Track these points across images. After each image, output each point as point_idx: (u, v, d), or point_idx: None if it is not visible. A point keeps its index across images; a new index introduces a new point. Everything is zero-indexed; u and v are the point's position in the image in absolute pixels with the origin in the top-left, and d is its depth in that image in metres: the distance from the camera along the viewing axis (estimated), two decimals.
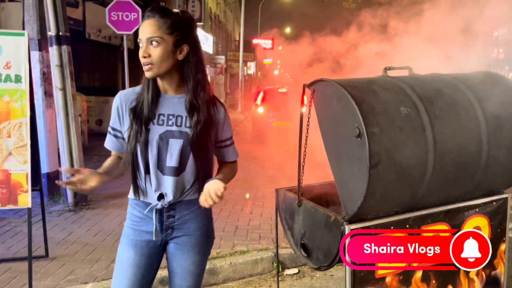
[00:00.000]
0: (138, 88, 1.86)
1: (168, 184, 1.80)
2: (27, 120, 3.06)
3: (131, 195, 1.90)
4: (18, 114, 3.04)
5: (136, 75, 13.08)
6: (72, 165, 5.10)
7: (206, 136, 1.83)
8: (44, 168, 5.03)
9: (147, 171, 1.80)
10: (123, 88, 15.02)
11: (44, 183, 5.13)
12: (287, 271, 3.76)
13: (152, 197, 1.82)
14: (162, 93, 1.83)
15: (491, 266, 2.40)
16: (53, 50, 4.89)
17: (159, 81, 1.82)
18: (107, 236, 4.26)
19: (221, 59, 26.14)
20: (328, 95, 2.07)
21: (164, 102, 1.82)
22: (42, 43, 5.09)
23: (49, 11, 4.79)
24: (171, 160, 1.78)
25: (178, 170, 1.79)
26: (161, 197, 1.82)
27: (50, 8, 4.77)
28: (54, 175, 5.40)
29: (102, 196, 5.76)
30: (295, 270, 3.77)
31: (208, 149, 1.86)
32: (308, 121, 2.26)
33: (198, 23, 20.71)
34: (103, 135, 8.17)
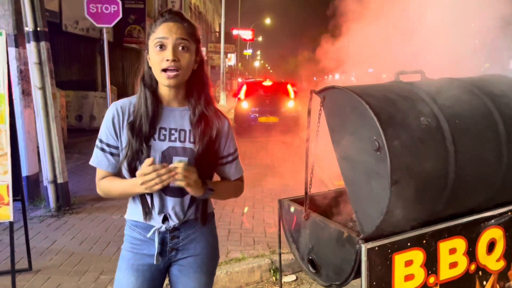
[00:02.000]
0: (134, 99, 1.67)
1: (172, 205, 1.65)
2: (7, 127, 2.81)
3: (129, 216, 1.73)
4: None
5: (116, 68, 12.79)
6: (53, 167, 4.85)
7: (211, 151, 1.68)
8: (24, 171, 4.77)
9: (149, 192, 1.62)
10: (103, 82, 14.78)
11: (24, 187, 4.86)
12: (285, 278, 3.63)
13: (155, 219, 1.66)
14: (164, 104, 1.66)
15: (505, 278, 2.31)
16: (30, 47, 4.61)
17: (163, 91, 1.65)
18: (94, 244, 4.05)
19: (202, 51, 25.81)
20: (341, 104, 1.92)
21: (164, 115, 1.65)
22: (18, 39, 4.79)
23: (26, 5, 4.51)
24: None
25: (183, 191, 1.63)
26: (165, 219, 1.66)
27: (27, 1, 4.47)
28: (34, 178, 5.14)
29: (85, 198, 5.53)
30: (293, 277, 3.65)
31: (212, 165, 1.73)
32: (317, 130, 2.10)
33: None
34: (83, 131, 7.93)
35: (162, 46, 1.53)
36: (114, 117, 1.62)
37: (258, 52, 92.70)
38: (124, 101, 1.67)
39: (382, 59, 2.65)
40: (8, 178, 2.83)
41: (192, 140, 1.64)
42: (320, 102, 2.05)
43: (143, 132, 1.60)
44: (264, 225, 4.64)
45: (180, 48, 1.54)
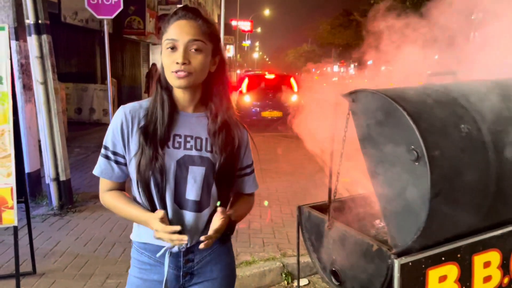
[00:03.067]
0: (145, 103, 1.52)
1: (188, 221, 1.48)
2: (10, 126, 2.67)
3: (136, 237, 1.56)
4: (0, 120, 2.65)
5: (115, 60, 12.57)
6: (55, 165, 4.71)
7: (233, 162, 1.54)
8: (25, 168, 4.62)
9: (163, 205, 1.47)
10: (103, 74, 14.55)
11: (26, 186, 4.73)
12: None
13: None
14: (179, 109, 1.51)
15: None
16: (32, 40, 4.44)
17: (177, 94, 1.49)
18: (99, 245, 3.93)
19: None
20: (373, 109, 1.79)
21: (179, 121, 1.50)
22: (19, 32, 4.62)
23: None
24: (192, 192, 1.47)
25: (200, 205, 1.48)
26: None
27: None
28: (36, 175, 5.01)
29: (88, 195, 5.40)
30: (305, 281, 3.54)
31: (232, 177, 1.57)
32: (345, 135, 1.98)
33: (178, 5, 20.12)
34: (83, 124, 7.77)
35: (173, 48, 1.39)
36: (122, 122, 1.47)
37: (257, 44, 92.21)
38: (133, 105, 1.52)
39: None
40: (12, 181, 2.70)
41: (209, 149, 1.50)
42: (348, 106, 1.92)
43: (158, 137, 1.45)
44: (272, 225, 4.53)
45: (193, 49, 1.39)
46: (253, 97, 11.69)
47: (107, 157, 1.50)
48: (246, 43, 58.76)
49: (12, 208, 2.70)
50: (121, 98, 13.79)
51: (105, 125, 8.39)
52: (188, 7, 1.44)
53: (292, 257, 3.73)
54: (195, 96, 1.51)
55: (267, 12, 57.73)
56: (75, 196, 5.13)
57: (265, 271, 3.47)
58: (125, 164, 1.50)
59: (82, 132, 9.98)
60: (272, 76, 12.60)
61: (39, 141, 4.87)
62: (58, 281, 3.26)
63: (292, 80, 12.26)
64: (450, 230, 1.80)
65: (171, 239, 1.37)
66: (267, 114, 11.51)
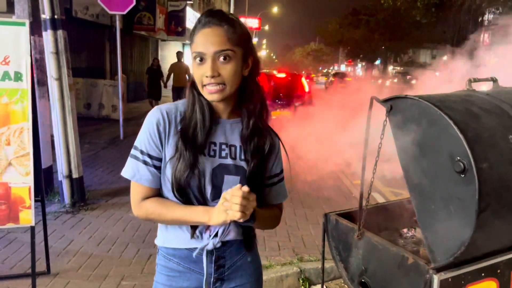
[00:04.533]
0: (181, 106, 1.44)
1: (222, 227, 1.42)
2: (29, 124, 2.60)
3: (163, 242, 1.49)
4: (19, 118, 2.58)
5: (125, 56, 12.47)
6: (68, 162, 4.66)
7: (264, 169, 1.49)
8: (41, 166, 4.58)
9: None
10: (112, 70, 14.51)
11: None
12: None
13: (203, 238, 1.45)
14: (215, 116, 1.44)
15: None
16: (47, 36, 4.39)
17: (212, 102, 1.42)
18: (112, 245, 3.87)
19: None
20: (414, 116, 1.71)
21: (214, 128, 1.43)
22: (34, 27, 4.56)
23: None
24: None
25: None
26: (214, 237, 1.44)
27: None
28: (48, 171, 4.96)
29: (99, 193, 5.36)
30: None
31: (262, 184, 1.50)
32: (381, 143, 1.90)
33: (188, 2, 19.99)
34: (91, 120, 7.74)
35: (201, 59, 1.33)
36: (159, 123, 1.39)
37: (264, 41, 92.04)
38: (169, 106, 1.44)
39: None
40: (30, 180, 2.64)
41: (243, 157, 1.44)
42: (385, 111, 1.84)
43: (197, 143, 1.38)
44: (286, 228, 4.46)
45: (221, 59, 1.32)
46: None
47: (145, 162, 1.40)
48: (254, 40, 58.72)
49: (29, 207, 2.64)
50: (129, 94, 13.76)
51: (114, 121, 8.40)
52: (211, 12, 1.36)
53: (309, 262, 3.66)
54: (229, 103, 1.44)
55: (275, 9, 57.58)
56: (87, 193, 5.09)
57: (282, 276, 3.40)
58: (160, 168, 1.42)
59: (91, 127, 9.94)
60: (282, 75, 12.45)
61: (51, 136, 4.82)
62: (73, 281, 3.21)
63: (303, 80, 12.10)
64: (491, 245, 1.72)
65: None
66: (277, 114, 11.39)
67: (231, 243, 1.49)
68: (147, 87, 12.35)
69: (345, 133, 2.54)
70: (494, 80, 1.99)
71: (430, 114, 1.63)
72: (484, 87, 2.03)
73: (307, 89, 11.93)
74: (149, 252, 3.69)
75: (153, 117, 1.40)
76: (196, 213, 1.38)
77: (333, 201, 5.48)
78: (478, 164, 1.49)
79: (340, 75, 33.66)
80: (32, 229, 2.70)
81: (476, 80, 1.94)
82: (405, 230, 2.48)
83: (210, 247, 1.43)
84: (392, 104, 1.82)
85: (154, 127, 1.39)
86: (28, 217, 2.65)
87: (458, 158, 1.53)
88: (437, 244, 1.68)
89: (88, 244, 3.87)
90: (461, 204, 1.55)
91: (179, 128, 1.41)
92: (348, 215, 2.32)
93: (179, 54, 12.14)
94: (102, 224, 4.35)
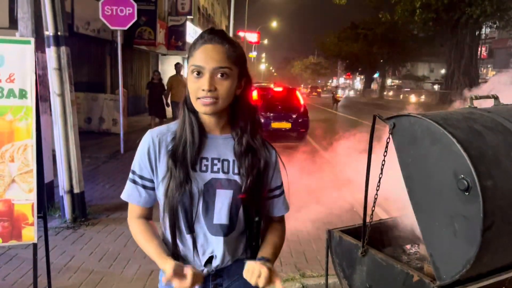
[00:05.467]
0: (173, 126, 1.49)
1: (216, 246, 1.44)
2: (33, 141, 2.61)
3: None
4: (23, 135, 2.59)
5: (125, 70, 12.55)
6: (70, 177, 4.66)
7: (261, 185, 1.49)
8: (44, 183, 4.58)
9: (190, 230, 1.43)
10: (112, 84, 14.55)
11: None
12: None
13: (196, 263, 1.45)
14: (206, 132, 1.47)
15: None
16: (50, 52, 4.42)
17: (204, 118, 1.45)
18: (113, 261, 3.85)
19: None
20: (417, 134, 1.73)
21: (206, 143, 1.46)
22: (37, 43, 4.59)
23: (47, 9, 4.32)
24: (220, 216, 1.43)
25: (228, 228, 1.44)
26: (208, 261, 1.45)
27: (48, 5, 4.29)
28: (49, 186, 4.95)
29: (100, 208, 5.34)
30: None
31: (260, 199, 1.51)
32: (384, 160, 1.91)
33: (188, 17, 20.18)
34: (92, 134, 7.74)
35: (199, 73, 1.37)
36: (149, 147, 1.45)
37: (263, 55, 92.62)
38: (160, 129, 1.50)
39: None
40: (33, 197, 2.64)
41: (236, 171, 1.46)
42: (388, 130, 1.86)
43: (187, 160, 1.42)
44: (288, 243, 4.44)
45: (219, 75, 1.36)
46: (263, 108, 11.75)
47: (134, 181, 1.48)
48: (253, 54, 59.07)
49: (32, 224, 2.64)
50: (129, 108, 13.80)
51: (115, 135, 8.40)
52: (214, 30, 1.41)
53: (312, 277, 3.64)
54: (222, 119, 1.47)
55: (274, 24, 58.03)
56: (88, 208, 5.08)
57: None
58: (153, 189, 1.48)
59: (92, 141, 9.95)
60: (279, 89, 13.26)
61: (53, 151, 4.83)
62: None
63: (298, 93, 12.96)
64: (497, 263, 1.72)
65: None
66: (276, 125, 11.62)
67: (230, 264, 1.49)
68: (147, 103, 11.70)
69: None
70: (495, 97, 2.01)
71: (433, 132, 1.65)
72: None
73: (302, 102, 12.60)
74: (150, 268, 3.67)
75: (144, 141, 1.47)
76: (155, 260, 1.41)
77: (334, 215, 5.47)
78: (482, 182, 1.50)
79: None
80: (35, 246, 2.69)
81: (478, 98, 1.96)
82: (408, 246, 2.48)
83: (205, 273, 1.45)
84: (395, 121, 1.84)
85: (144, 150, 1.46)
86: (30, 234, 2.65)
87: (462, 176, 1.54)
88: (442, 262, 1.69)
89: (89, 260, 3.85)
90: (466, 222, 1.56)
91: (169, 148, 1.45)
92: (351, 231, 2.33)
93: (178, 66, 11.62)
94: (103, 239, 4.33)
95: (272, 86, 14.34)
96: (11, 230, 2.61)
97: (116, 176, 7.07)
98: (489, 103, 2.06)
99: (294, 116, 11.98)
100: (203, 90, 1.35)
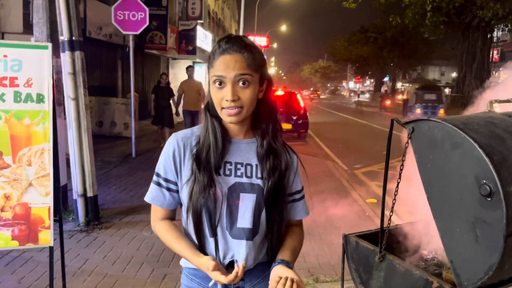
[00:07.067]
0: (196, 130, 1.51)
1: (239, 249, 1.44)
2: (50, 145, 2.64)
3: (185, 262, 1.52)
4: (40, 139, 2.62)
5: (136, 74, 12.60)
6: (83, 181, 4.69)
7: (282, 188, 1.50)
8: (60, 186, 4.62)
9: (213, 233, 1.43)
10: (124, 88, 14.63)
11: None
12: None
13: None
14: (230, 136, 1.49)
15: None
16: (65, 57, 4.47)
17: (227, 124, 1.46)
18: (127, 264, 3.87)
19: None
20: (437, 139, 1.71)
21: (230, 148, 1.48)
22: (52, 48, 4.65)
23: (62, 14, 4.37)
24: (244, 219, 1.44)
25: (252, 232, 1.44)
26: (229, 265, 1.45)
27: (63, 10, 4.34)
28: (63, 190, 4.99)
29: (113, 211, 5.38)
30: None
31: (283, 203, 1.51)
32: (402, 165, 1.89)
33: (198, 21, 20.28)
34: (103, 137, 7.82)
35: (221, 83, 1.37)
36: (174, 150, 1.47)
37: (272, 59, 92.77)
38: (185, 132, 1.51)
39: None
40: (50, 200, 2.66)
41: (259, 175, 1.47)
42: (407, 134, 1.84)
43: (211, 164, 1.43)
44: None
45: (241, 83, 1.37)
46: None
47: (158, 184, 1.49)
48: None
49: (48, 228, 2.66)
50: (140, 112, 13.88)
51: (126, 139, 8.47)
52: (232, 38, 1.41)
53: (325, 283, 3.62)
54: (245, 124, 1.48)
55: (283, 28, 58.10)
56: (101, 212, 5.11)
57: None
58: (177, 191, 1.49)
59: (103, 145, 10.01)
60: (281, 93, 14.11)
61: (67, 154, 4.87)
62: None
63: (298, 96, 14.31)
64: None
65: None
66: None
67: (251, 268, 1.49)
68: (153, 109, 9.97)
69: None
70: None
71: (453, 137, 1.63)
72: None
73: (302, 105, 13.68)
74: (164, 272, 3.68)
75: (169, 145, 1.49)
76: (189, 260, 1.44)
77: (346, 218, 5.45)
78: (505, 187, 1.48)
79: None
80: (51, 249, 2.71)
81: (498, 101, 1.94)
82: (425, 251, 2.45)
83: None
84: (414, 126, 1.82)
85: (169, 153, 1.47)
86: (47, 237, 2.67)
87: (484, 181, 1.52)
88: (463, 268, 1.66)
89: (103, 263, 3.87)
90: (488, 227, 1.54)
91: (193, 151, 1.46)
92: (367, 236, 2.31)
93: (190, 70, 10.11)
94: (116, 243, 4.35)
95: (279, 90, 15.04)
96: (28, 233, 2.63)
97: (128, 179, 7.11)
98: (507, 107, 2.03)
99: (294, 118, 12.98)
100: (227, 100, 1.36)
